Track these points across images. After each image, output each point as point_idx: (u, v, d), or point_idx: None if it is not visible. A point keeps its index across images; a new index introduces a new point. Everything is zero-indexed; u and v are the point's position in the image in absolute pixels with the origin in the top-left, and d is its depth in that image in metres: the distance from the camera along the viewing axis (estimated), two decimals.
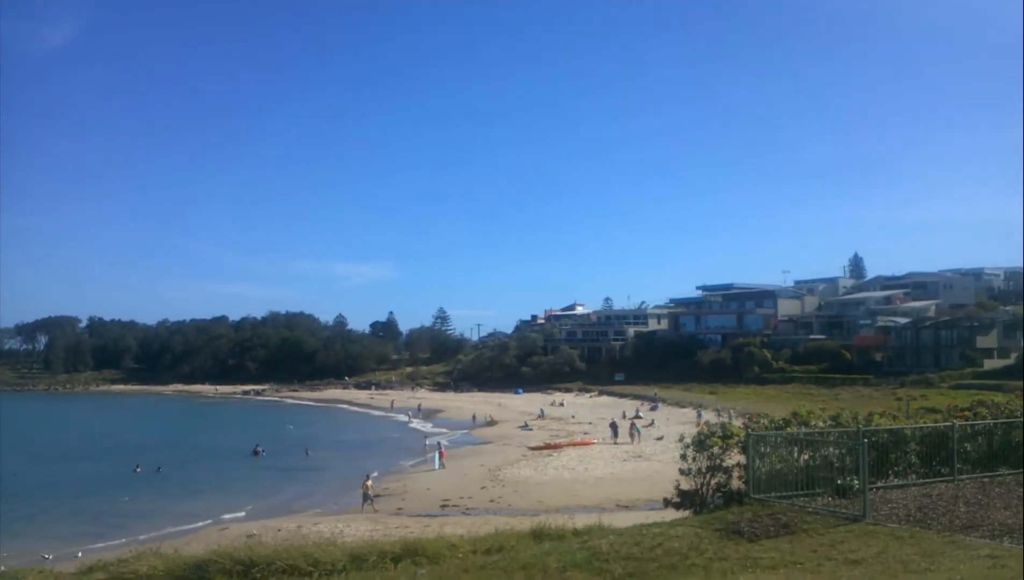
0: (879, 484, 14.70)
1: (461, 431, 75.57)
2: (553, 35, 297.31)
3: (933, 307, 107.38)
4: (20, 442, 72.21)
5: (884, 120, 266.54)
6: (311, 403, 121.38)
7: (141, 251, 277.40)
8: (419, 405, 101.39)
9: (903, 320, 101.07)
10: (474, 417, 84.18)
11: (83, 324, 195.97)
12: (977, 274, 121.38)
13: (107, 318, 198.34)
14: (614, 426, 62.77)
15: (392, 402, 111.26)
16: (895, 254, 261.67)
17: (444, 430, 76.95)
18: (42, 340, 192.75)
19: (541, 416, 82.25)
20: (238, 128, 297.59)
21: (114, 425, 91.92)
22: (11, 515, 39.71)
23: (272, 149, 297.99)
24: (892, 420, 18.33)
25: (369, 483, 38.66)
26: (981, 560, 10.23)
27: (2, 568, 20.66)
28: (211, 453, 62.94)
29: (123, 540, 31.99)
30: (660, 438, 59.07)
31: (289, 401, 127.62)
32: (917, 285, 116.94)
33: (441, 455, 52.16)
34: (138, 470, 52.66)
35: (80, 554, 29.34)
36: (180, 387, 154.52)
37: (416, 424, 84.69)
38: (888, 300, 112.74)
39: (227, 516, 38.42)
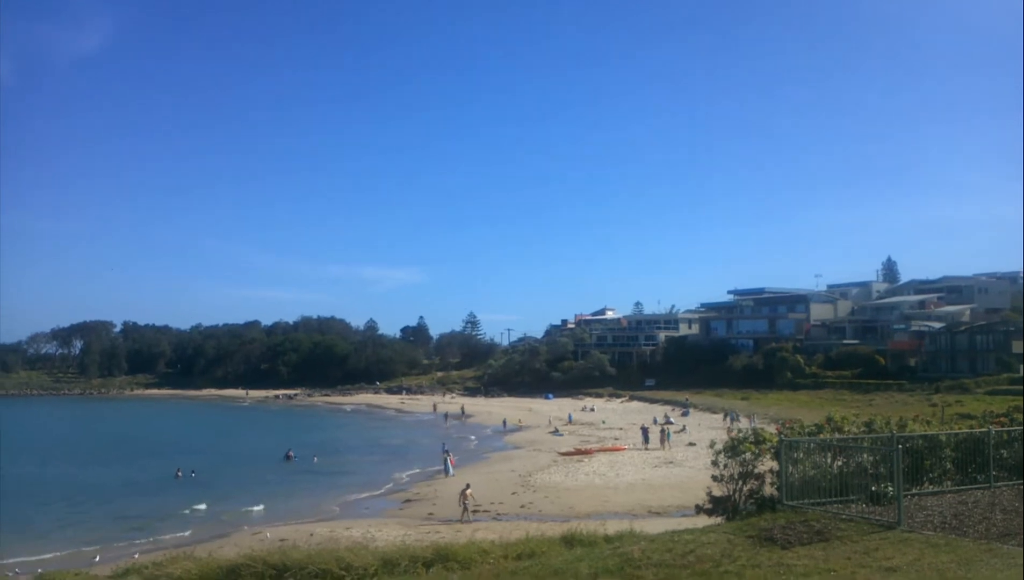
0: (914, 491, 14.56)
1: (488, 435, 75.70)
2: (586, 38, 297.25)
3: (968, 311, 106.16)
4: (57, 445, 73.28)
5: (918, 121, 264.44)
6: (343, 407, 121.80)
7: (176, 255, 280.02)
8: (462, 407, 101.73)
9: (937, 325, 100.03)
10: (504, 422, 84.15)
11: (118, 329, 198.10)
12: (1013, 278, 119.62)
13: (141, 323, 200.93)
14: (645, 431, 62.51)
15: (435, 405, 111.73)
16: (929, 257, 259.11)
17: (473, 437, 77.06)
18: (77, 344, 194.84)
19: (570, 421, 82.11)
20: (272, 133, 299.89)
21: (148, 429, 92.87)
22: (49, 517, 40.35)
23: (305, 154, 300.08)
24: (927, 426, 18.18)
25: (469, 492, 37.11)
26: (1018, 568, 10.10)
27: (40, 570, 20.97)
28: (244, 457, 63.39)
29: (157, 542, 32.36)
30: (692, 444, 58.82)
31: (321, 405, 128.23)
32: (951, 289, 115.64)
33: (450, 462, 52.07)
34: (179, 475, 53.10)
35: (112, 555, 29.72)
36: (213, 391, 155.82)
37: (448, 428, 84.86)
38: (922, 304, 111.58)
39: (260, 520, 38.67)
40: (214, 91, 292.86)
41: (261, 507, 41.61)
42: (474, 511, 36.66)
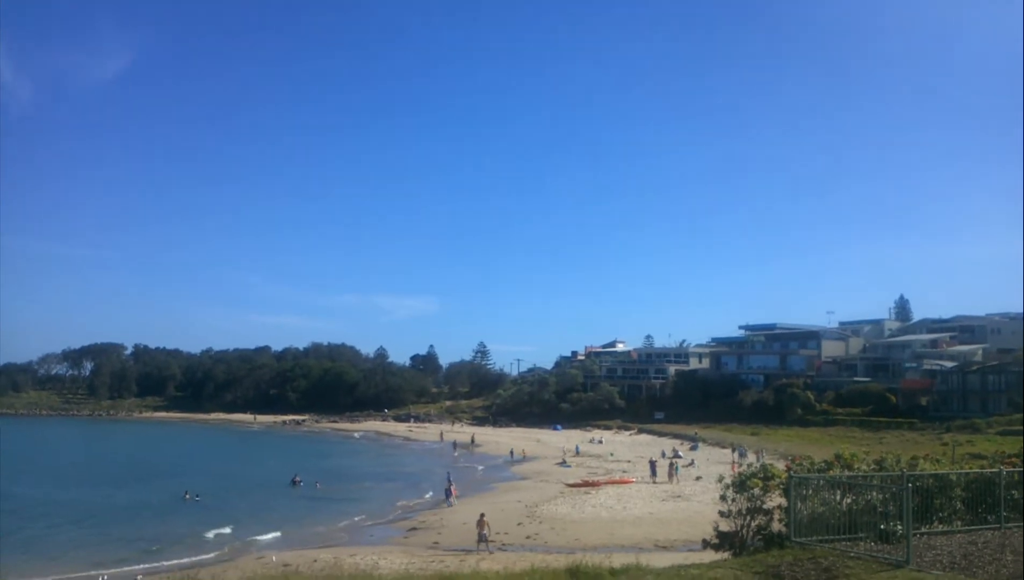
0: (923, 530, 14.44)
1: (496, 465, 75.45)
2: (607, 68, 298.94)
3: (980, 351, 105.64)
4: (65, 467, 73.37)
5: (933, 160, 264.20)
6: (351, 434, 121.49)
7: (188, 281, 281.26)
8: (473, 436, 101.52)
9: (949, 364, 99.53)
10: (512, 452, 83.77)
11: (128, 351, 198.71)
12: None
13: (152, 346, 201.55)
14: (653, 465, 62.20)
15: (442, 433, 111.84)
16: (942, 297, 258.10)
17: (480, 466, 76.81)
18: (87, 366, 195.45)
19: (577, 453, 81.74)
20: (286, 161, 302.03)
21: (156, 452, 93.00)
22: (55, 538, 40.36)
23: (317, 182, 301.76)
24: (937, 465, 18.04)
25: (486, 521, 36.07)
26: None
27: None
28: (250, 482, 63.30)
29: (162, 565, 32.29)
30: (699, 478, 58.48)
31: (329, 432, 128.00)
32: (964, 328, 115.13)
33: (452, 493, 51.83)
34: (187, 497, 53.08)
35: (115, 576, 29.69)
36: (222, 416, 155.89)
37: (457, 457, 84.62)
38: (934, 343, 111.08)
39: (265, 545, 38.58)
40: (228, 118, 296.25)
41: (266, 532, 41.51)
42: (491, 540, 35.60)
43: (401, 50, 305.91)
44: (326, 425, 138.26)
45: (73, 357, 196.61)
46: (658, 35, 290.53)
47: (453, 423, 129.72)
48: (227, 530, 42.12)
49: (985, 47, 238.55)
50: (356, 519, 46.47)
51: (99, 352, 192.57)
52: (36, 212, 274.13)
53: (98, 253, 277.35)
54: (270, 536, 40.73)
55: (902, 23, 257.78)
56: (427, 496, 55.09)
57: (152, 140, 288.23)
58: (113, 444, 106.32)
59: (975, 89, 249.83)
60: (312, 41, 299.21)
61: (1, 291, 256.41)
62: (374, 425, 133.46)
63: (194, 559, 34.45)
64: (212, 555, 36.02)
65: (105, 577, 30.49)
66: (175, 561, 34.07)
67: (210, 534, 41.12)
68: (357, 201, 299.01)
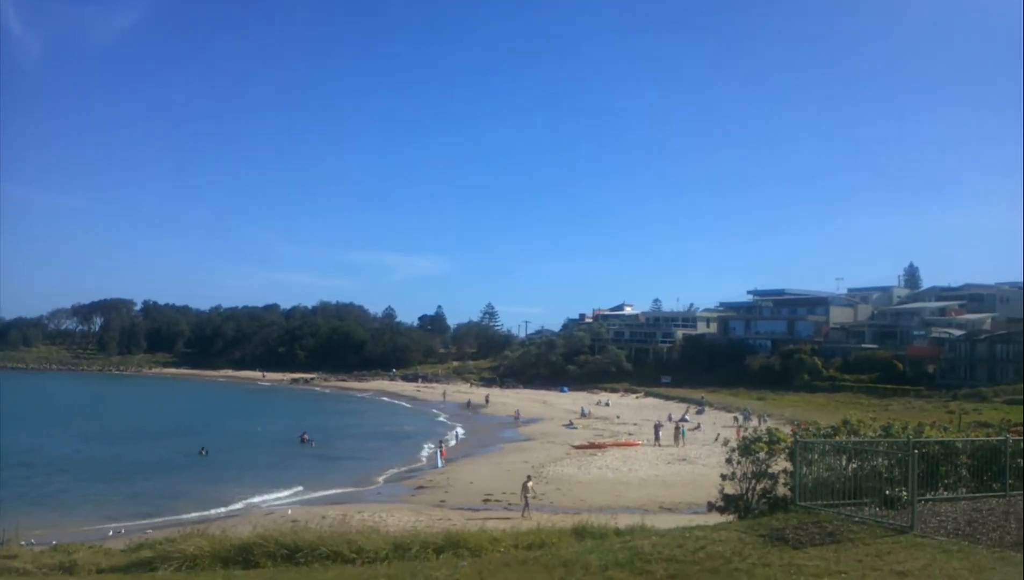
0: (928, 496, 14.48)
1: (502, 425, 75.85)
2: (619, 39, 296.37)
3: (989, 320, 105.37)
4: (75, 421, 73.89)
5: (944, 129, 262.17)
6: (358, 393, 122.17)
7: (196, 236, 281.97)
8: (468, 400, 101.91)
9: (958, 332, 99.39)
10: (517, 413, 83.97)
11: (138, 307, 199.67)
12: None
13: (162, 302, 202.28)
14: (657, 429, 62.38)
15: (444, 393, 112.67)
16: (952, 265, 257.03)
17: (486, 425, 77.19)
18: (97, 321, 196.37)
19: (583, 415, 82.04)
20: (297, 121, 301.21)
21: (165, 408, 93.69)
22: (65, 492, 40.75)
23: (327, 140, 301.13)
24: (943, 432, 18.08)
25: (530, 484, 35.22)
26: None
27: (55, 542, 21.17)
28: (259, 439, 63.78)
29: (171, 520, 32.60)
30: (716, 438, 58.61)
31: (336, 390, 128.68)
32: (973, 297, 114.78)
33: (441, 454, 52.07)
34: (203, 453, 53.48)
35: (123, 531, 30.01)
36: (230, 373, 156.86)
37: (444, 418, 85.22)
38: (943, 311, 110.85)
39: (273, 501, 38.91)
40: (241, 77, 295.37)
41: (274, 488, 41.81)
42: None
43: (416, 12, 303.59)
44: (334, 383, 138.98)
45: (83, 312, 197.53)
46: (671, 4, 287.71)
47: (470, 385, 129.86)
48: (236, 486, 42.42)
49: (997, 16, 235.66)
50: (363, 476, 46.77)
51: (109, 307, 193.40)
52: (46, 165, 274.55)
53: (108, 207, 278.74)
54: (278, 492, 41.01)
55: None
56: (434, 455, 55.38)
57: (164, 95, 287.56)
58: (123, 400, 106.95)
59: (987, 61, 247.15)
60: (325, 3, 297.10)
61: (11, 245, 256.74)
62: (381, 384, 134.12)
63: (203, 514, 34.72)
64: (221, 510, 36.33)
65: (114, 531, 30.78)
66: (184, 516, 34.36)
67: (219, 490, 41.41)
68: (368, 159, 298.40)
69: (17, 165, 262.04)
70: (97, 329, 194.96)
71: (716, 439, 18.86)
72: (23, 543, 23.12)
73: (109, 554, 16.57)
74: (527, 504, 33.54)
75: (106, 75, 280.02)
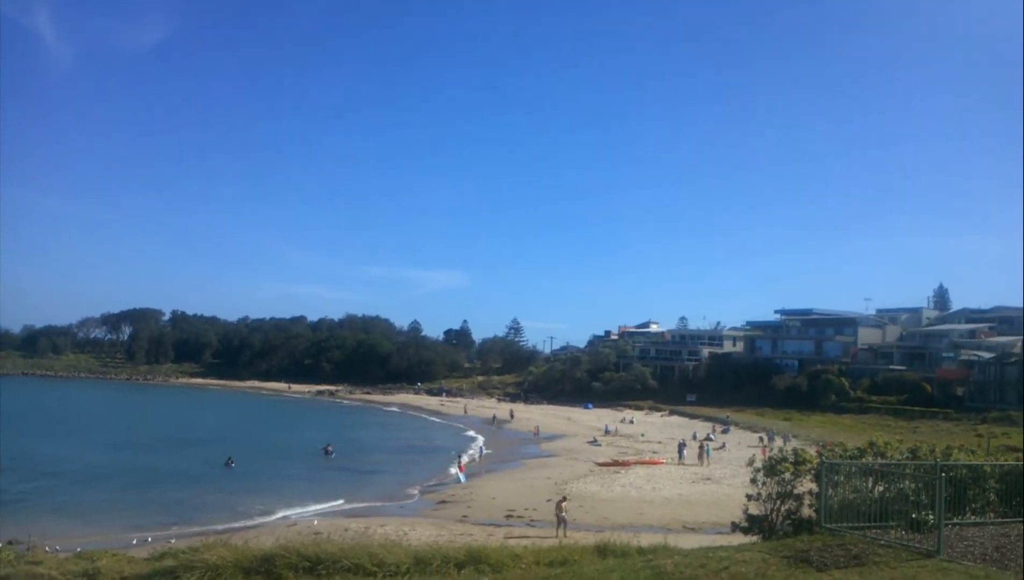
0: (955, 521, 14.29)
1: (526, 441, 75.71)
2: (635, 57, 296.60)
3: (1019, 343, 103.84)
4: (103, 430, 74.50)
5: (975, 149, 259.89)
6: (383, 405, 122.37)
7: (225, 248, 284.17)
8: (493, 415, 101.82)
9: (987, 355, 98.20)
10: (538, 429, 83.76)
11: (166, 317, 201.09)
12: None
13: (190, 313, 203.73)
14: (681, 447, 62.06)
15: (465, 408, 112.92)
16: (982, 287, 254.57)
17: (509, 441, 77.03)
18: (126, 331, 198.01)
19: (607, 433, 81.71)
20: (323, 135, 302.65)
21: (192, 418, 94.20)
22: (91, 499, 41.08)
23: (354, 157, 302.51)
24: (971, 456, 17.87)
25: (565, 504, 34.28)
26: None
27: (79, 548, 21.32)
28: (283, 450, 63.97)
29: (195, 529, 32.75)
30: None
31: (362, 403, 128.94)
32: (1003, 319, 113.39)
33: (460, 469, 52.05)
34: (230, 464, 53.73)
35: (149, 539, 30.16)
36: (257, 384, 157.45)
37: (468, 433, 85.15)
38: (972, 333, 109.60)
39: (296, 513, 39.04)
40: (268, 90, 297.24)
41: (297, 500, 41.94)
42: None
43: (441, 23, 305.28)
44: (359, 396, 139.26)
45: (112, 321, 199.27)
46: (713, 12, 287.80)
47: (498, 401, 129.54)
48: (260, 497, 42.62)
49: None
50: (386, 490, 46.85)
51: (137, 317, 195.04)
52: (78, 176, 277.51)
53: (138, 219, 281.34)
54: (301, 504, 41.15)
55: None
56: (454, 471, 55.39)
57: (193, 108, 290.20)
58: (149, 409, 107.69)
59: (1017, 84, 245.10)
60: (351, 11, 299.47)
61: (42, 254, 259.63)
62: (406, 398, 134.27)
63: (227, 525, 34.89)
64: (245, 521, 36.53)
65: (138, 539, 30.94)
66: (209, 525, 34.52)
67: (243, 500, 41.63)
68: (391, 175, 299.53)
69: (48, 175, 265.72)
70: (125, 338, 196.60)
71: (750, 462, 18.66)
72: (47, 549, 23.35)
73: (132, 562, 16.66)
74: (561, 523, 32.95)
75: (138, 86, 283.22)
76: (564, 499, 35.26)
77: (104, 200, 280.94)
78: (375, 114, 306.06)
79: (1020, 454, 19.91)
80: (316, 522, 34.68)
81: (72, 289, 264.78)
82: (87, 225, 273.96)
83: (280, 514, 38.63)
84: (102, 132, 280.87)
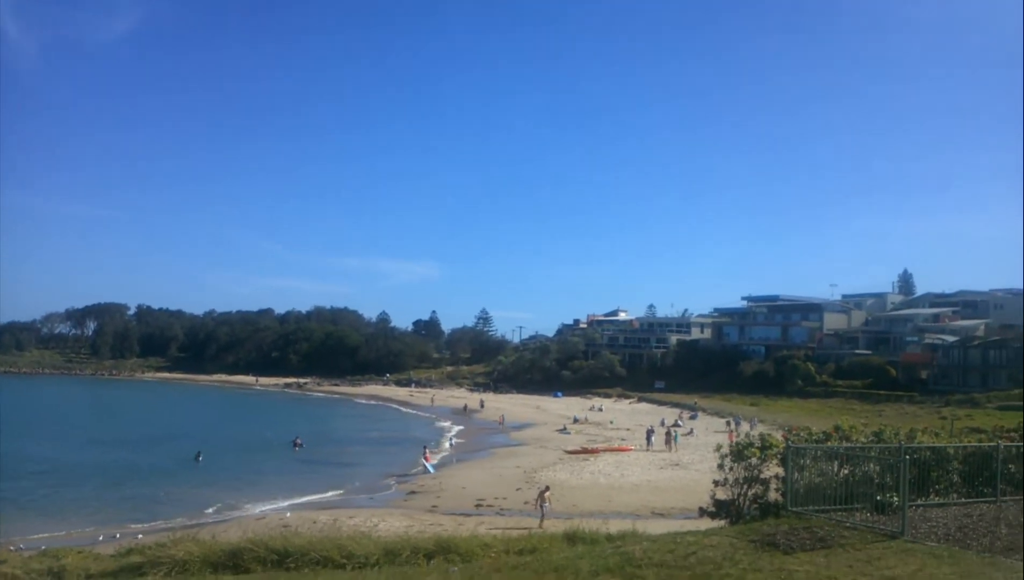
0: (919, 502, 14.47)
1: (494, 430, 75.77)
2: (608, 45, 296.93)
3: (982, 326, 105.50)
4: (67, 425, 73.65)
5: (941, 135, 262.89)
6: (352, 397, 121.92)
7: (190, 241, 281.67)
8: (465, 405, 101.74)
9: (951, 338, 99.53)
10: (503, 418, 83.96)
11: (131, 311, 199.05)
12: None
13: (155, 306, 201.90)
14: (649, 434, 62.40)
15: (432, 398, 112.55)
16: (946, 271, 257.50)
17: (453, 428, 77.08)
18: (91, 325, 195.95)
19: (576, 420, 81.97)
20: (292, 127, 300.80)
21: (159, 413, 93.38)
22: (56, 496, 40.59)
23: (323, 148, 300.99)
24: (935, 438, 18.09)
25: (548, 494, 34.08)
26: None
27: (44, 547, 21.08)
28: (251, 443, 63.56)
29: (162, 525, 32.50)
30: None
31: (330, 395, 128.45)
32: (967, 303, 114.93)
33: (426, 458, 51.92)
34: (199, 459, 53.25)
35: (118, 535, 29.86)
36: (224, 377, 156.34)
37: (438, 423, 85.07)
38: (936, 318, 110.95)
39: (264, 506, 38.83)
40: (234, 83, 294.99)
41: (265, 493, 41.73)
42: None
43: (408, 18, 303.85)
44: (328, 388, 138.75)
45: (76, 316, 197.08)
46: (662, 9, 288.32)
47: (468, 391, 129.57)
48: (228, 491, 42.35)
49: (994, 22, 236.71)
50: (355, 481, 46.68)
51: (102, 312, 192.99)
52: (41, 169, 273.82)
53: (102, 213, 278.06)
54: (270, 497, 40.91)
55: None
56: (422, 462, 55.30)
57: (157, 101, 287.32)
58: (116, 404, 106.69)
59: (982, 67, 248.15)
60: (322, 6, 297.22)
61: (5, 249, 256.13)
62: (375, 389, 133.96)
63: (195, 520, 34.66)
64: (213, 515, 36.27)
65: (104, 536, 30.65)
66: (176, 521, 34.28)
67: (211, 495, 41.31)
68: (361, 166, 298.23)
69: (11, 169, 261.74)
70: (90, 333, 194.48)
71: (718, 448, 18.80)
72: (12, 548, 23.04)
73: (98, 559, 16.47)
74: (544, 514, 32.73)
75: (101, 80, 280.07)
76: (547, 489, 35.10)
77: (67, 195, 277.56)
78: (344, 107, 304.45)
79: (983, 436, 20.14)
80: (285, 515, 34.52)
81: (36, 284, 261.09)
82: (50, 220, 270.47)
83: (248, 508, 38.38)
84: (65, 125, 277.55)
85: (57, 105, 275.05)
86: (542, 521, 31.78)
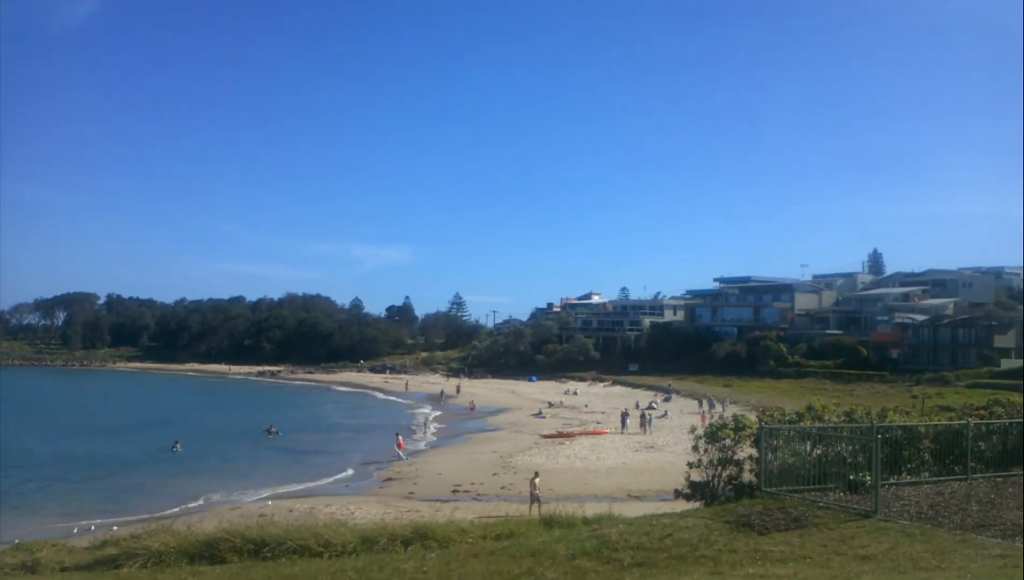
0: (891, 481, 14.65)
1: (468, 416, 75.82)
2: (575, 30, 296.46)
3: (952, 305, 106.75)
4: (38, 417, 72.95)
5: (908, 115, 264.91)
6: (326, 385, 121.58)
7: (161, 229, 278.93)
8: (441, 390, 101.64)
9: (921, 317, 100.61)
10: (472, 404, 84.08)
11: (101, 301, 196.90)
12: (997, 273, 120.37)
13: (125, 295, 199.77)
14: (624, 416, 62.67)
15: (407, 384, 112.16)
16: (915, 251, 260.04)
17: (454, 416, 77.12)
18: (60, 316, 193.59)
19: (551, 405, 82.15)
20: (259, 109, 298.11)
21: (131, 402, 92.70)
22: (29, 489, 40.23)
23: (292, 131, 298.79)
24: (906, 417, 18.27)
25: (537, 482, 33.63)
26: (992, 559, 10.19)
27: (17, 540, 20.89)
28: (225, 433, 63.21)
29: (137, 517, 32.27)
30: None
31: (304, 382, 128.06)
32: (936, 282, 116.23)
33: (399, 446, 51.85)
34: (176, 448, 52.77)
35: (93, 528, 29.65)
36: (196, 366, 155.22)
37: (413, 410, 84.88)
38: (906, 297, 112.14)
39: (240, 495, 38.66)
40: (206, 70, 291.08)
41: (241, 482, 41.57)
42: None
43: (380, 8, 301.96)
44: (301, 376, 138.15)
45: (45, 307, 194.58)
46: None
47: (443, 376, 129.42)
48: (202, 481, 42.16)
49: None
50: (331, 469, 46.54)
51: (72, 302, 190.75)
52: (6, 157, 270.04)
53: (71, 200, 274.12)
54: (245, 487, 40.75)
55: None
56: (396, 449, 55.28)
57: (123, 87, 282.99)
58: (88, 395, 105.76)
59: (955, 45, 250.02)
60: None
61: None
62: (349, 376, 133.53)
63: (171, 510, 34.45)
64: (187, 505, 36.06)
65: (79, 529, 30.45)
66: (152, 513, 34.04)
67: (185, 485, 41.08)
68: (333, 149, 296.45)
69: None
70: (60, 324, 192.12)
71: (692, 430, 18.90)
72: None
73: (73, 552, 16.35)
74: (535, 499, 32.24)
75: (66, 66, 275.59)
76: (536, 476, 34.65)
77: (34, 182, 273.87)
78: (315, 90, 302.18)
79: (953, 414, 20.38)
80: (261, 504, 34.43)
81: (4, 275, 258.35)
82: (16, 208, 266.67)
83: (223, 497, 38.22)
84: (32, 113, 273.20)
85: (21, 92, 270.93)
86: (540, 508, 31.49)
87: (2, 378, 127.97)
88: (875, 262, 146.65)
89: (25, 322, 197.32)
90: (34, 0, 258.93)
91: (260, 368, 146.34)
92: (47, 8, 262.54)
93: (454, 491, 38.10)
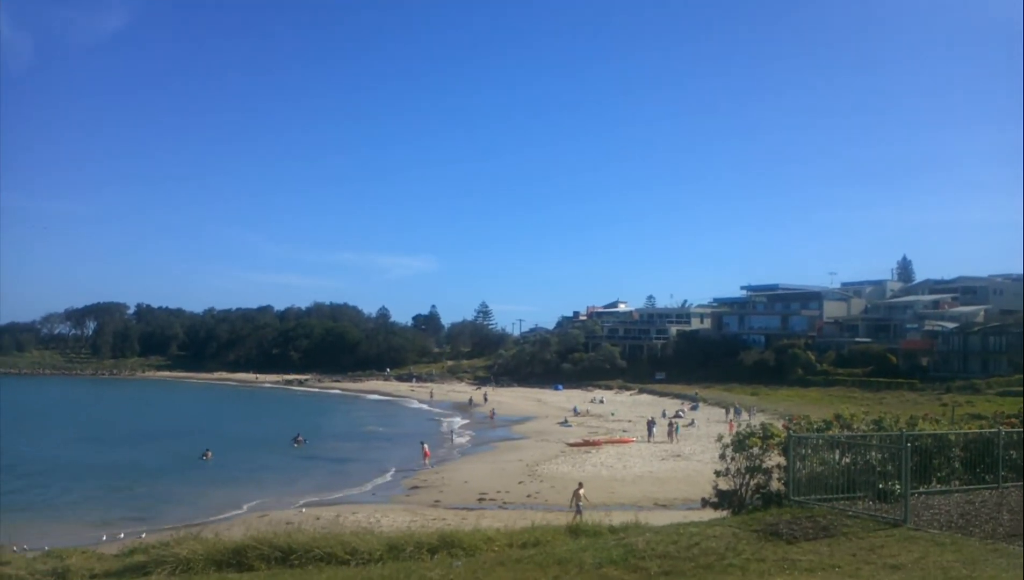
0: (921, 489, 14.51)
1: (496, 424, 75.79)
2: (603, 34, 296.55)
3: (982, 312, 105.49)
4: (68, 426, 73.63)
5: (938, 121, 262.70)
6: (353, 393, 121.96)
7: (190, 240, 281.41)
8: (470, 398, 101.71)
9: (951, 325, 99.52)
10: (493, 412, 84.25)
11: (131, 310, 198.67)
12: None
13: (155, 305, 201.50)
14: (650, 425, 62.43)
15: (431, 393, 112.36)
16: (945, 257, 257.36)
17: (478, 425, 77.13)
18: (90, 325, 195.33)
19: (576, 413, 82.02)
20: (288, 121, 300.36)
21: (160, 411, 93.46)
22: (57, 496, 40.63)
23: (319, 141, 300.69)
24: (936, 425, 18.11)
25: (582, 491, 33.09)
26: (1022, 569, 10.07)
27: (47, 547, 21.09)
28: (253, 441, 63.54)
29: (166, 525, 32.47)
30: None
31: (331, 391, 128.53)
32: (966, 289, 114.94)
33: (425, 455, 51.88)
34: (208, 457, 53.17)
35: (122, 535, 29.85)
36: (224, 375, 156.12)
37: (440, 418, 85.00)
38: (936, 304, 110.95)
39: (267, 503, 38.79)
40: (230, 79, 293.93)
41: (268, 490, 41.75)
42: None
43: (404, 9, 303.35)
44: (328, 384, 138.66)
45: (76, 316, 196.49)
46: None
47: (470, 385, 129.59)
48: (230, 489, 42.39)
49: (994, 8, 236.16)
50: (358, 477, 46.68)
51: (102, 311, 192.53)
52: (38, 169, 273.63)
53: (99, 211, 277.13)
54: (273, 494, 40.94)
55: None
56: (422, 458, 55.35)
57: (151, 98, 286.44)
58: (117, 403, 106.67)
59: (982, 46, 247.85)
60: (311, 2, 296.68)
61: (4, 250, 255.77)
62: (376, 385, 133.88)
63: (199, 518, 34.65)
64: (216, 514, 36.22)
65: (108, 536, 30.65)
66: (180, 521, 34.25)
67: (214, 493, 41.36)
68: (357, 160, 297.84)
69: (10, 170, 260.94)
70: (90, 333, 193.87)
71: (719, 438, 18.84)
72: (15, 549, 23.03)
73: (102, 559, 16.47)
74: (579, 510, 31.12)
75: (95, 78, 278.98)
76: (580, 486, 33.89)
77: (64, 194, 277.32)
78: (341, 101, 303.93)
79: (984, 422, 20.16)
80: (287, 512, 34.54)
81: (35, 285, 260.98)
82: (48, 219, 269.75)
83: (251, 505, 38.39)
84: (61, 125, 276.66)
85: (51, 104, 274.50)
86: (576, 517, 31.16)
87: (33, 387, 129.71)
88: (904, 269, 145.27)
89: (56, 332, 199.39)
90: (61, 14, 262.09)
91: (288, 377, 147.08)
92: (74, 22, 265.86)
93: (480, 499, 38.10)
